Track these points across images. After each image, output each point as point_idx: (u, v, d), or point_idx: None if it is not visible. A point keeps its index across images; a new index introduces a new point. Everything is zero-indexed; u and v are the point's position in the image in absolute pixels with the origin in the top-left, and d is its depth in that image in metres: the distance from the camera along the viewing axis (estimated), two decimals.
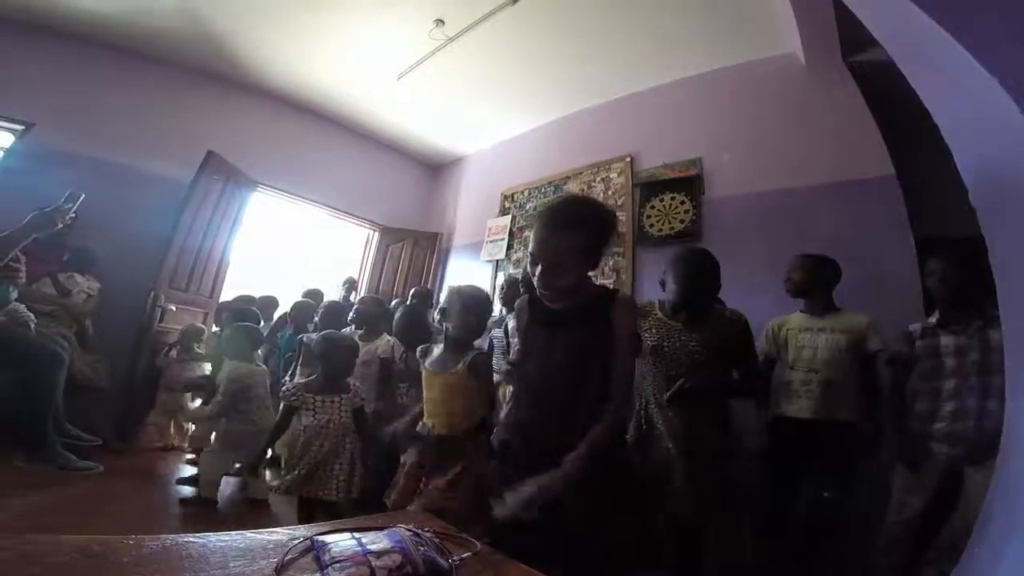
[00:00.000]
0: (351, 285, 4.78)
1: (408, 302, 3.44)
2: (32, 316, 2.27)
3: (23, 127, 3.61)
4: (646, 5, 3.05)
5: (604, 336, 1.15)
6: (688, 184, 3.32)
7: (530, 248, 1.19)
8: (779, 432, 2.10)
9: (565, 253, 1.13)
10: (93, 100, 3.88)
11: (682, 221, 3.27)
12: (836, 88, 2.85)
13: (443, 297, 1.92)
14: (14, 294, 2.24)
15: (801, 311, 2.19)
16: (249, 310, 3.34)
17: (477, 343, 1.84)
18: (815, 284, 2.13)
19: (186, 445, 3.38)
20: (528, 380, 1.27)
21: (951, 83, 1.06)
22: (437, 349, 1.75)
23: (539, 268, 1.15)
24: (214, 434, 2.85)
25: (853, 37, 2.65)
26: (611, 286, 2.98)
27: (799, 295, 2.20)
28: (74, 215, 1.98)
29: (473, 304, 1.71)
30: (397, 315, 2.63)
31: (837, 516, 1.92)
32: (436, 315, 1.83)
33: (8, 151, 3.56)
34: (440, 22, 3.42)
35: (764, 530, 2.09)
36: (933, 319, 1.85)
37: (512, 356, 2.27)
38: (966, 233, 1.22)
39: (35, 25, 3.68)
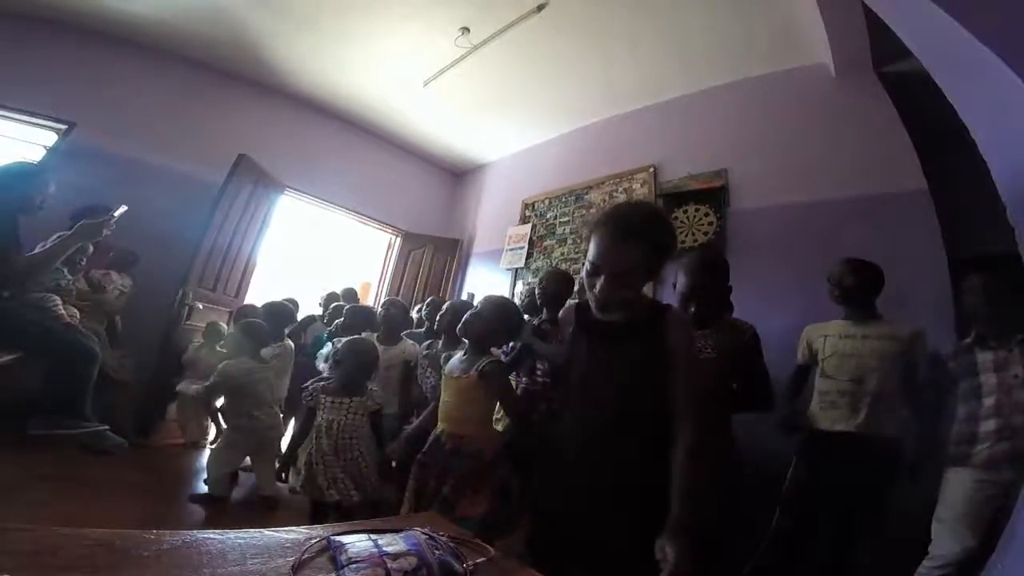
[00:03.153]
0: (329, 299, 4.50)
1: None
2: (76, 312, 2.37)
3: (65, 127, 3.77)
4: (672, 15, 3.04)
5: (656, 353, 1.09)
6: (713, 195, 3.28)
7: (590, 256, 1.11)
8: (812, 448, 2.00)
9: (631, 265, 1.07)
10: (131, 101, 4.04)
11: (706, 233, 3.22)
12: (867, 99, 2.79)
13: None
14: (65, 279, 2.35)
15: (844, 318, 2.07)
16: (281, 306, 3.37)
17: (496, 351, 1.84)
18: (864, 290, 2.01)
19: (206, 441, 3.46)
20: (572, 393, 1.22)
21: (988, 96, 1.03)
22: (459, 353, 1.76)
23: (600, 280, 1.08)
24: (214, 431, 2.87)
25: (885, 47, 2.59)
26: None
27: (846, 302, 2.07)
28: (115, 224, 2.14)
29: (500, 312, 1.72)
30: (443, 311, 2.63)
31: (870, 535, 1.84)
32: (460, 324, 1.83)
33: (51, 149, 3.72)
34: (466, 30, 3.47)
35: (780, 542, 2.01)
36: (969, 340, 1.79)
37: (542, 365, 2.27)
38: (1004, 250, 1.17)
39: (78, 28, 3.86)
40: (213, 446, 2.82)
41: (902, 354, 1.90)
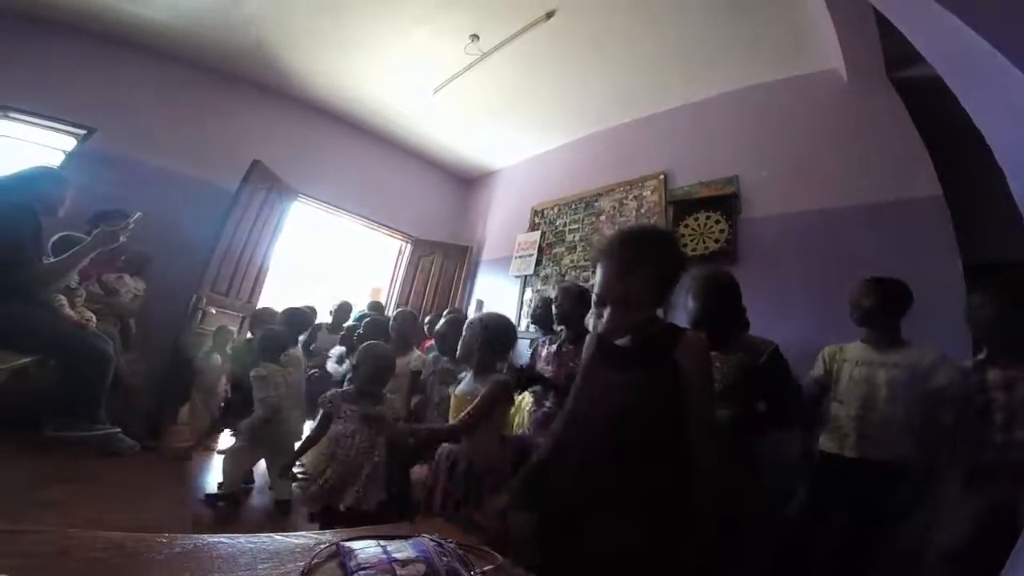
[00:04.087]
0: (340, 308, 4.49)
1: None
2: (92, 315, 2.41)
3: (85, 132, 3.86)
4: (682, 21, 3.05)
5: (670, 377, 1.07)
6: (724, 203, 3.26)
7: (595, 287, 1.12)
8: (820, 469, 1.98)
9: (636, 296, 1.07)
10: (148, 108, 4.12)
11: (717, 241, 3.20)
12: (880, 104, 2.77)
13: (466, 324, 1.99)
14: (74, 281, 2.40)
15: (863, 341, 2.00)
16: (300, 313, 3.40)
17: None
18: (887, 313, 1.93)
19: (216, 445, 3.49)
20: (577, 416, 1.23)
21: (1004, 104, 1.01)
22: (468, 375, 1.77)
23: (606, 310, 1.09)
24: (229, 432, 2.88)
25: (898, 53, 2.57)
26: None
27: (867, 324, 1.99)
28: (131, 230, 2.19)
29: (497, 330, 1.76)
30: (440, 324, 2.66)
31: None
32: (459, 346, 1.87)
33: (70, 154, 3.80)
34: (475, 37, 3.51)
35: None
36: (982, 355, 1.76)
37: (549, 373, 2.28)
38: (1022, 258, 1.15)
39: (98, 35, 3.95)
40: (228, 447, 2.82)
41: (921, 383, 1.83)
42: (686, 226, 3.38)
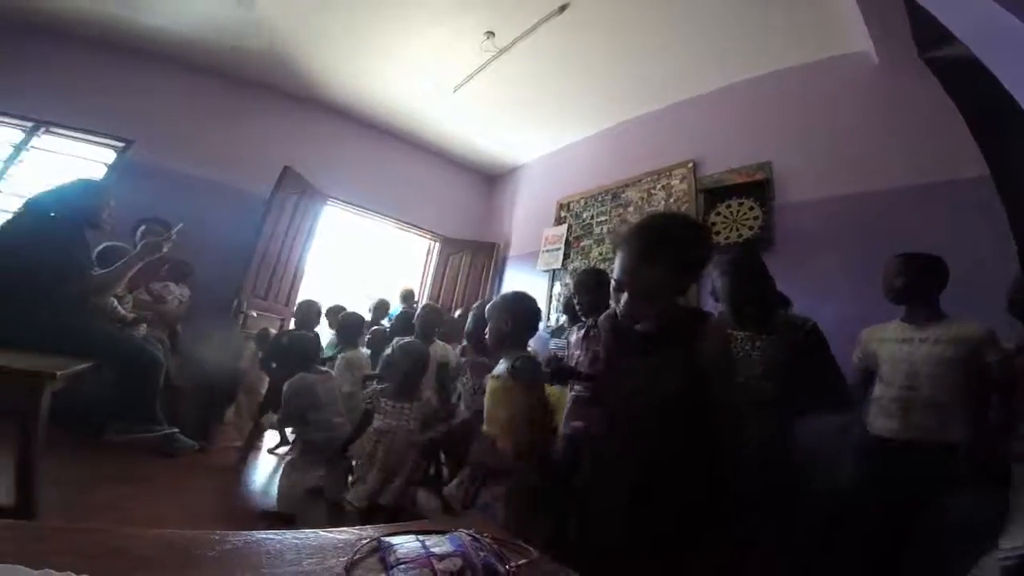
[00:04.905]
0: (378, 306, 4.66)
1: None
2: (143, 325, 2.53)
3: (124, 144, 4.05)
4: (703, 5, 2.96)
5: (691, 363, 1.05)
6: (757, 189, 3.16)
7: (615, 273, 1.11)
8: (866, 450, 1.92)
9: (654, 285, 1.05)
10: (182, 118, 4.30)
11: (751, 228, 3.11)
12: (914, 85, 2.63)
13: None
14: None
15: (901, 320, 1.94)
16: (354, 316, 3.52)
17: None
18: (921, 289, 1.87)
19: (262, 444, 3.61)
20: (604, 403, 1.23)
21: None
22: (502, 362, 1.76)
23: (624, 297, 1.08)
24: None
25: (928, 32, 2.43)
26: None
27: (902, 302, 1.93)
28: (174, 241, 2.28)
29: (518, 306, 1.73)
30: (468, 323, 2.67)
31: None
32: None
33: (111, 166, 3.99)
34: (490, 34, 3.51)
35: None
36: None
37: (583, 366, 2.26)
38: None
39: (126, 49, 4.13)
40: (288, 460, 2.82)
41: (966, 358, 1.75)
42: (718, 214, 3.29)
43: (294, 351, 2.80)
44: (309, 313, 3.60)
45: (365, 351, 3.42)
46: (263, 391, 3.67)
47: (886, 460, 1.82)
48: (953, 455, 1.73)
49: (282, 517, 2.40)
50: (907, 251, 1.95)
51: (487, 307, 1.83)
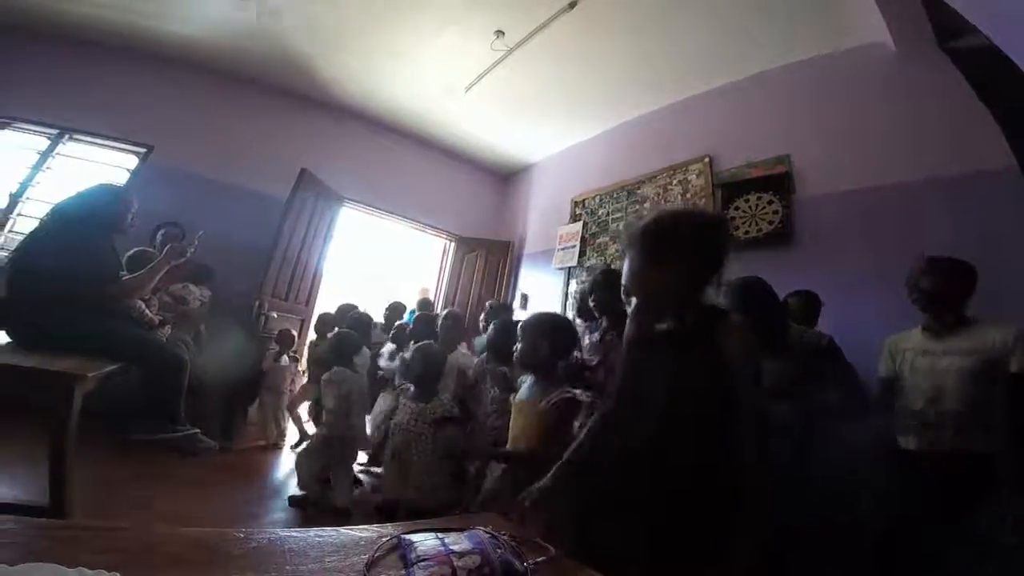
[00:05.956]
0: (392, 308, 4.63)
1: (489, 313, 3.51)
2: (168, 325, 2.60)
3: (145, 149, 4.15)
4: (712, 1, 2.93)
5: (709, 363, 1.00)
6: (776, 182, 3.10)
7: (623, 277, 1.08)
8: (889, 465, 1.86)
9: (661, 290, 1.02)
10: (201, 123, 4.39)
11: (771, 222, 3.05)
12: (934, 75, 2.56)
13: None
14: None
15: (923, 327, 1.85)
16: (365, 316, 3.57)
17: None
18: (947, 296, 1.78)
19: (284, 443, 3.68)
20: (620, 404, 1.19)
21: None
22: (528, 380, 1.76)
23: (632, 301, 1.06)
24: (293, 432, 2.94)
25: (945, 22, 2.37)
26: None
27: (927, 310, 1.84)
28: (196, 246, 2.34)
29: (541, 330, 1.71)
30: (489, 332, 2.66)
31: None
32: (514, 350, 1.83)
33: (134, 171, 4.09)
34: (500, 33, 3.51)
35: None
36: None
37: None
38: None
39: (145, 55, 4.22)
40: (298, 449, 2.95)
41: (993, 366, 1.66)
42: (736, 208, 3.24)
43: (343, 348, 2.89)
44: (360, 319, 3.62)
45: (361, 361, 3.25)
46: (286, 390, 3.76)
47: (907, 476, 1.77)
48: (986, 466, 1.66)
49: (305, 497, 2.63)
50: (934, 253, 1.85)
51: (520, 324, 1.79)
